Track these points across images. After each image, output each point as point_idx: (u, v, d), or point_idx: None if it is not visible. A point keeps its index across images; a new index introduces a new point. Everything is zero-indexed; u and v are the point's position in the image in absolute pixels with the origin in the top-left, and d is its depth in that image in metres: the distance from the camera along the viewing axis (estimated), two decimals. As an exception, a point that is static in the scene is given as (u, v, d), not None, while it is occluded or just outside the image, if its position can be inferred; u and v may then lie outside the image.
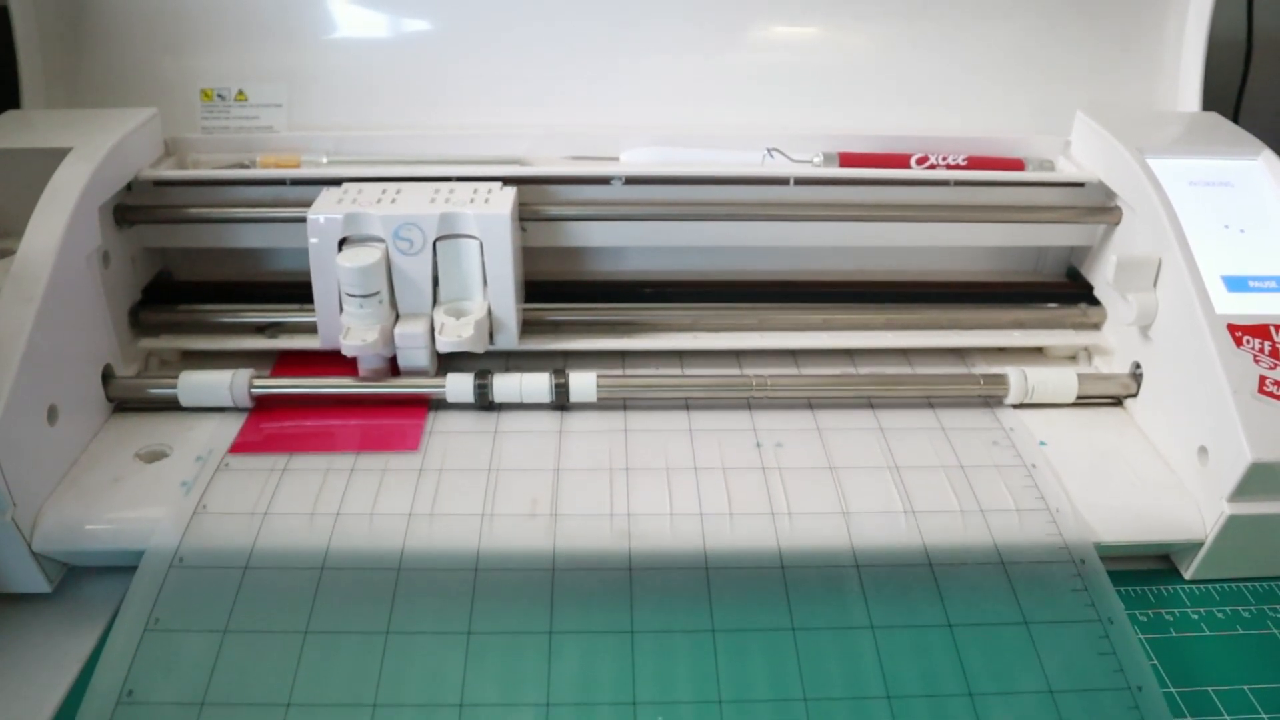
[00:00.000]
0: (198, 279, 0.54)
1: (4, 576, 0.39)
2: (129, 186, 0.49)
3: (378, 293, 0.45)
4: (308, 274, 0.46)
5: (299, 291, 0.48)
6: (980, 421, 0.47)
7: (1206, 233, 0.46)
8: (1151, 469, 0.44)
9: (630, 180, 0.50)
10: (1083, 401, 0.48)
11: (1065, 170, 0.54)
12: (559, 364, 0.49)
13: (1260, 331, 0.42)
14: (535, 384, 0.46)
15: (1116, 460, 0.45)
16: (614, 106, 0.57)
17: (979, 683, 0.35)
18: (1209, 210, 0.47)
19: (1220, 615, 0.41)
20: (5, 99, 0.53)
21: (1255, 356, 0.41)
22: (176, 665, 0.35)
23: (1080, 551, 0.40)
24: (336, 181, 0.48)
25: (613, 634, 0.37)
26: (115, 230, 0.48)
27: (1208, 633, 0.40)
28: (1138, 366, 0.48)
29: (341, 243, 0.45)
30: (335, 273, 0.45)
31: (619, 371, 0.50)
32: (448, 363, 0.48)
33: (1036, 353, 0.53)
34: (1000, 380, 0.48)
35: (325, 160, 0.53)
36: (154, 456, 0.44)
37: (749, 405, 0.48)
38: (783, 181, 0.51)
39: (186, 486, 0.41)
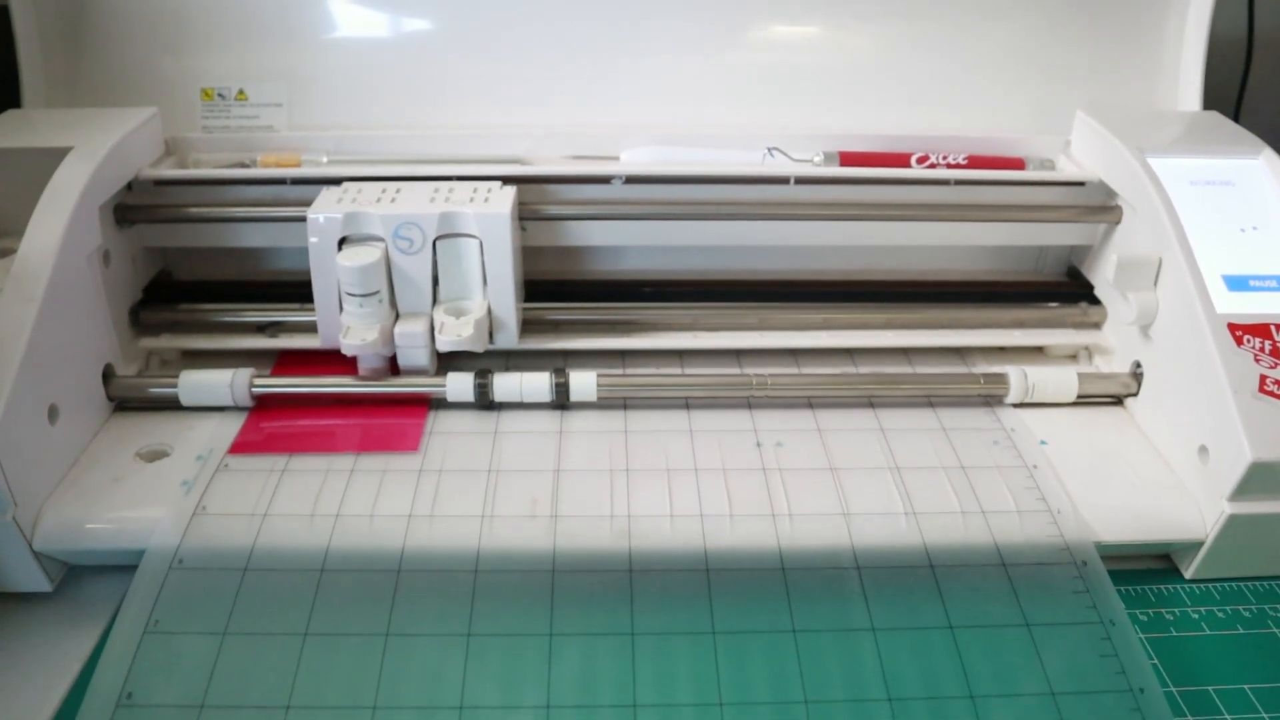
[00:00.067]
0: (198, 278, 0.54)
1: (5, 575, 0.39)
2: (129, 186, 0.49)
3: (377, 292, 0.45)
4: (308, 273, 0.46)
5: (299, 291, 0.47)
6: (981, 421, 0.47)
7: (1207, 232, 0.46)
8: (1152, 468, 0.44)
9: (630, 179, 0.50)
10: (1083, 401, 0.48)
11: (1066, 169, 0.54)
12: (559, 363, 0.49)
13: (1261, 331, 0.42)
14: (536, 383, 0.46)
15: (1117, 459, 0.45)
16: (614, 106, 0.57)
17: (980, 685, 0.35)
18: (1210, 209, 0.47)
19: (1221, 615, 0.41)
20: (5, 98, 0.53)
21: (1256, 356, 0.41)
22: (176, 668, 0.35)
23: (1082, 553, 0.40)
24: (336, 181, 0.48)
25: (613, 636, 0.37)
26: (116, 229, 0.48)
27: (1208, 632, 0.40)
28: (1138, 366, 0.48)
29: (341, 242, 0.45)
30: (335, 272, 0.45)
31: (619, 371, 0.50)
32: (447, 362, 0.48)
33: (1037, 352, 0.53)
34: (1000, 379, 0.48)
35: (325, 160, 0.52)
36: (154, 456, 0.44)
37: (749, 404, 0.48)
38: (783, 181, 0.51)
39: (187, 486, 0.41)
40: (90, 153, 0.45)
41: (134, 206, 0.49)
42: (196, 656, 0.35)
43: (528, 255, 0.50)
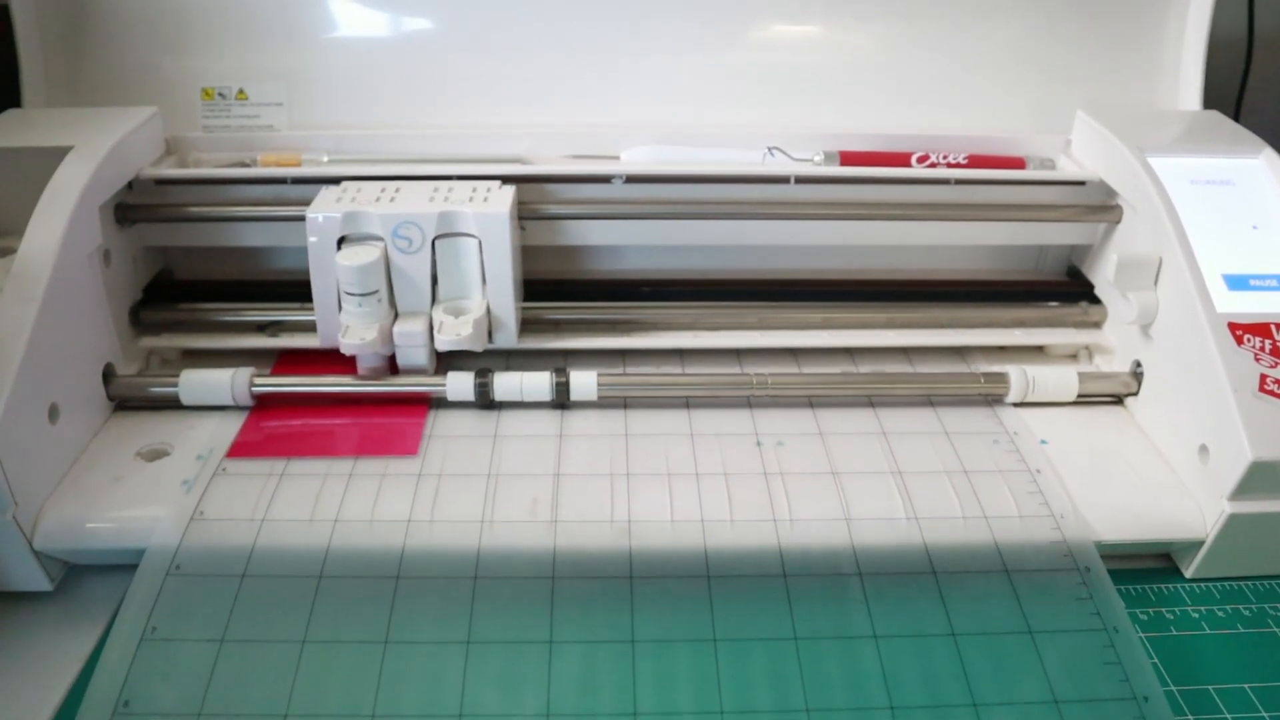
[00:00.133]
0: (198, 278, 0.54)
1: (5, 575, 0.39)
2: (130, 185, 0.49)
3: (376, 291, 0.45)
4: (308, 272, 0.46)
5: (299, 290, 0.47)
6: (981, 421, 0.47)
7: (1207, 231, 0.46)
8: (1152, 467, 0.44)
9: (630, 179, 0.50)
10: (1083, 400, 0.48)
11: (1066, 169, 0.54)
12: (559, 363, 0.49)
13: (1261, 330, 0.42)
14: (536, 382, 0.46)
15: (1117, 459, 0.45)
16: (614, 106, 0.57)
17: (983, 692, 0.35)
18: (1210, 209, 0.47)
19: (1221, 614, 0.41)
20: (5, 98, 0.53)
21: (1256, 355, 0.41)
22: (173, 675, 0.35)
23: (1085, 559, 0.40)
24: (336, 180, 0.48)
25: (613, 643, 0.36)
26: (116, 229, 0.48)
27: (1208, 631, 0.40)
28: (1138, 365, 0.48)
29: (341, 241, 0.45)
30: (334, 271, 0.45)
31: (619, 370, 0.50)
32: (447, 361, 0.48)
33: (1037, 351, 0.53)
34: (1001, 379, 0.48)
35: (326, 159, 0.53)
36: (155, 455, 0.44)
37: (749, 404, 0.48)
38: (783, 180, 0.51)
39: (187, 485, 0.41)
40: (90, 152, 0.45)
41: (134, 206, 0.49)
42: (194, 664, 0.35)
43: (527, 255, 0.50)
